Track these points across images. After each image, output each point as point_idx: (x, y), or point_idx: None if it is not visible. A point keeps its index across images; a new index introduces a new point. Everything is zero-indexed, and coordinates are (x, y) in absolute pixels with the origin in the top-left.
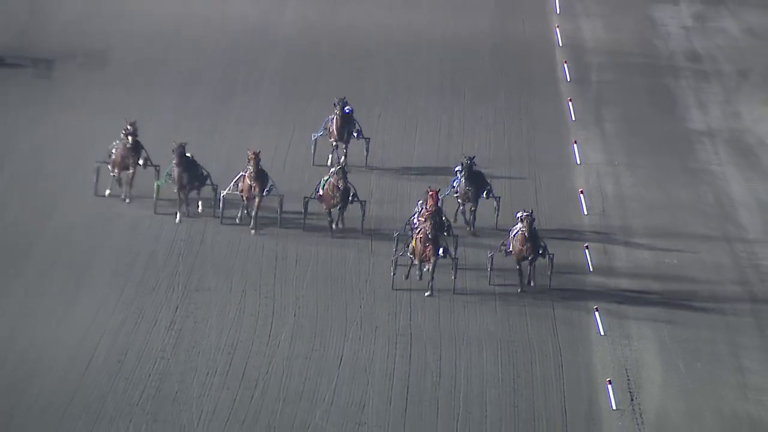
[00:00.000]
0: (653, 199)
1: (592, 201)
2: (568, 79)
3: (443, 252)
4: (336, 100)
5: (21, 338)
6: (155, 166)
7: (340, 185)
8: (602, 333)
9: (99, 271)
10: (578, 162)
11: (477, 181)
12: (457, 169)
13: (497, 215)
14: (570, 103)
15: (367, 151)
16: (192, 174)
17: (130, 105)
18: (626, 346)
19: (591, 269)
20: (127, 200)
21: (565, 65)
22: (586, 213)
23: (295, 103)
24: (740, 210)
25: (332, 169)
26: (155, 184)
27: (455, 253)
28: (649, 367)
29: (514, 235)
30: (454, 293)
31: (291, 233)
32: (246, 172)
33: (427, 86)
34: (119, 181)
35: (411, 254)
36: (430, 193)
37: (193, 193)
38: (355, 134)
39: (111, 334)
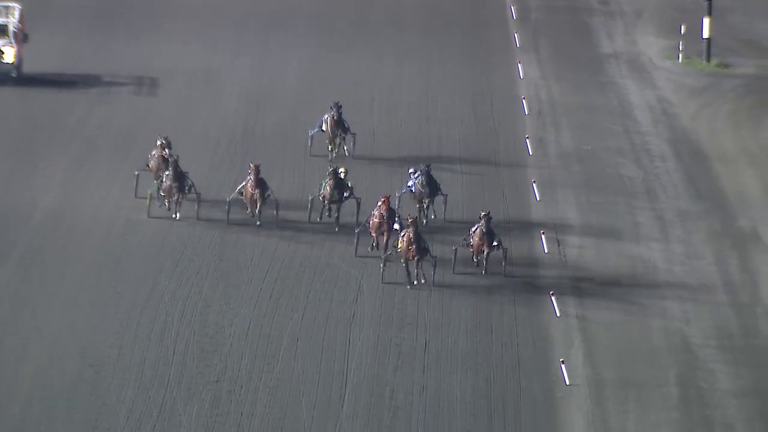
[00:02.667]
0: (574, 103)
1: (530, 104)
2: (514, 18)
3: (425, 251)
4: (332, 104)
5: None
6: (185, 172)
7: (334, 183)
8: (537, 199)
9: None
10: (521, 77)
11: (432, 184)
12: (411, 171)
13: (444, 211)
14: (515, 35)
15: (354, 144)
16: (180, 184)
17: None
18: (555, 207)
19: (530, 153)
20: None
21: (512, 8)
22: (527, 113)
23: None
24: (636, 110)
25: (330, 171)
26: (148, 191)
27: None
28: (571, 225)
29: (474, 231)
30: (433, 285)
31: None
32: (248, 181)
33: (413, 22)
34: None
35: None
36: (383, 198)
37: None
38: (345, 130)
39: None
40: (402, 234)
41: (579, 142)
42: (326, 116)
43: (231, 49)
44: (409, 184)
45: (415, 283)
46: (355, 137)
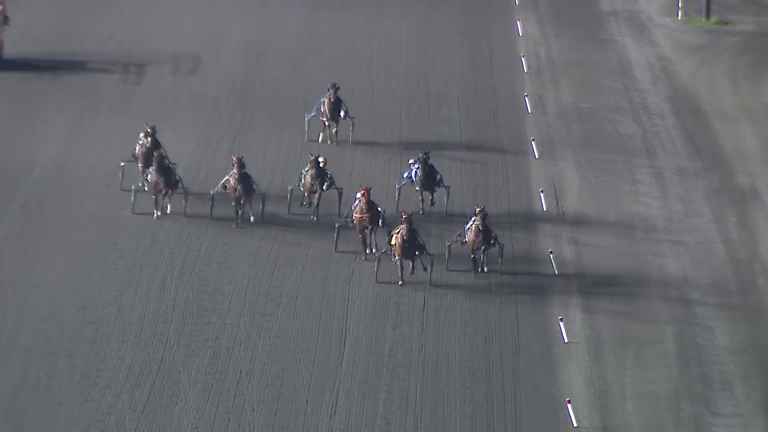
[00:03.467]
0: (574, 60)
1: (530, 62)
2: None
3: (420, 250)
4: (329, 85)
5: None
6: (173, 164)
7: (315, 173)
8: (536, 157)
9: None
10: (520, 34)
11: (431, 174)
12: (410, 162)
13: (447, 202)
14: None
15: (352, 128)
16: (167, 179)
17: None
18: (553, 165)
19: (529, 111)
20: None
21: None
22: (525, 71)
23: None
24: (635, 68)
25: (311, 160)
26: (132, 187)
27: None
28: (569, 180)
29: (468, 227)
30: (430, 284)
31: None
32: (231, 175)
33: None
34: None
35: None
36: (362, 191)
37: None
38: (343, 114)
39: None
40: (396, 231)
41: (578, 99)
42: (323, 99)
43: (229, 6)
44: (409, 175)
45: (401, 283)
46: (354, 121)
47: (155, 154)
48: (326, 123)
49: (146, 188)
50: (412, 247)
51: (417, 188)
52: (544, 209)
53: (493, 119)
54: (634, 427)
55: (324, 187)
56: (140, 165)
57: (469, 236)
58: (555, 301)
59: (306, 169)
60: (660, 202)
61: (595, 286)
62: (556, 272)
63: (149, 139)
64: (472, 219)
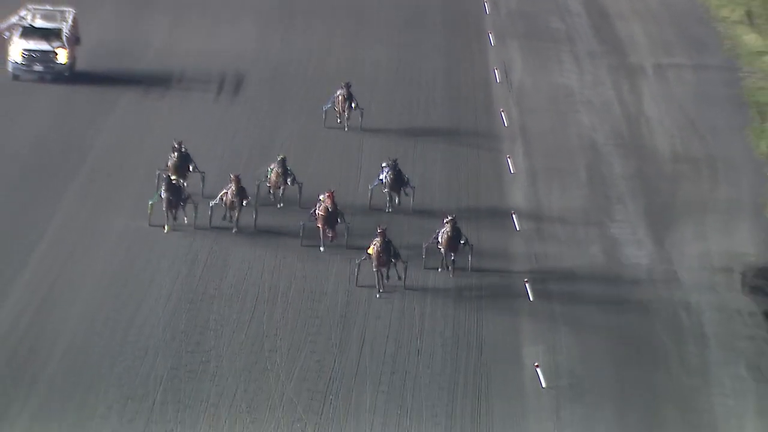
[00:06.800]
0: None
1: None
2: None
3: (395, 257)
4: (343, 84)
5: None
6: (201, 172)
7: (281, 171)
8: (492, 44)
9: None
10: None
11: (400, 177)
12: (384, 165)
13: (412, 200)
14: None
15: (361, 117)
16: (177, 197)
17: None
18: (505, 51)
19: (487, 12)
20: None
21: None
22: (488, 13)
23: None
24: None
25: (278, 159)
26: (149, 202)
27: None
28: (515, 61)
29: (441, 233)
30: (404, 288)
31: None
32: (229, 189)
33: None
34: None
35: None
36: (327, 194)
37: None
38: (354, 105)
39: None
40: (373, 242)
41: (522, 4)
42: (337, 93)
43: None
44: (381, 177)
45: (381, 292)
46: (363, 111)
47: (185, 166)
48: (339, 114)
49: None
50: (387, 256)
51: (386, 190)
52: (497, 81)
53: (452, 16)
54: (559, 229)
55: (289, 182)
56: (172, 177)
57: (443, 242)
58: (505, 139)
59: (272, 167)
60: (576, 75)
61: (532, 135)
62: (506, 124)
63: (176, 153)
64: (444, 227)
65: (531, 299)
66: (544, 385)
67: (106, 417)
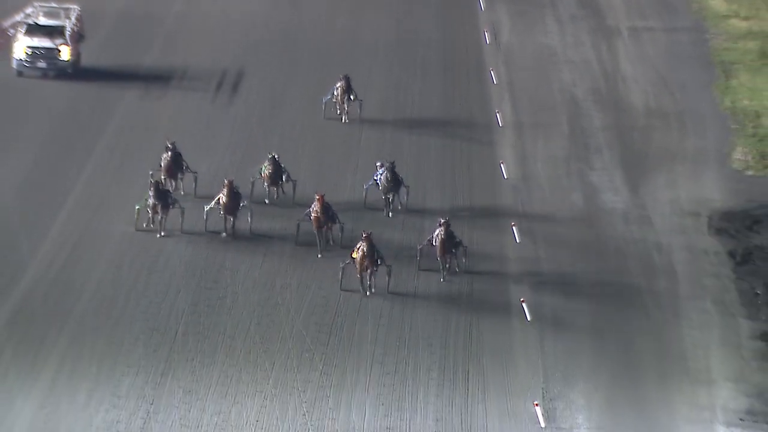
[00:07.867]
0: None
1: None
2: None
3: (379, 261)
4: (341, 76)
5: None
6: (194, 172)
7: (273, 169)
8: (482, 9)
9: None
10: None
11: (395, 179)
12: (378, 164)
13: (407, 200)
14: None
15: (360, 108)
16: (164, 202)
17: None
18: (494, 14)
19: (482, 8)
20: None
21: None
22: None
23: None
24: None
25: (269, 157)
26: (136, 207)
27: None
28: (504, 24)
29: (436, 236)
30: (387, 292)
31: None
32: (223, 194)
33: None
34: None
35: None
36: (317, 197)
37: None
38: (352, 97)
39: None
40: (358, 246)
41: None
42: (337, 85)
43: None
44: (375, 178)
45: (368, 294)
46: (361, 102)
47: (178, 166)
48: (338, 105)
49: (147, 209)
50: (371, 260)
51: (382, 192)
52: (487, 42)
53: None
54: (542, 177)
55: (283, 179)
56: (164, 176)
57: (437, 244)
58: (493, 96)
59: (264, 165)
60: (558, 36)
61: (519, 91)
62: (495, 82)
63: (170, 153)
64: (438, 230)
65: (517, 241)
66: (529, 319)
67: (133, 346)
